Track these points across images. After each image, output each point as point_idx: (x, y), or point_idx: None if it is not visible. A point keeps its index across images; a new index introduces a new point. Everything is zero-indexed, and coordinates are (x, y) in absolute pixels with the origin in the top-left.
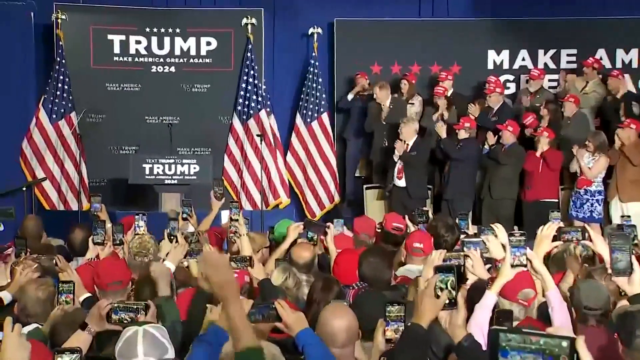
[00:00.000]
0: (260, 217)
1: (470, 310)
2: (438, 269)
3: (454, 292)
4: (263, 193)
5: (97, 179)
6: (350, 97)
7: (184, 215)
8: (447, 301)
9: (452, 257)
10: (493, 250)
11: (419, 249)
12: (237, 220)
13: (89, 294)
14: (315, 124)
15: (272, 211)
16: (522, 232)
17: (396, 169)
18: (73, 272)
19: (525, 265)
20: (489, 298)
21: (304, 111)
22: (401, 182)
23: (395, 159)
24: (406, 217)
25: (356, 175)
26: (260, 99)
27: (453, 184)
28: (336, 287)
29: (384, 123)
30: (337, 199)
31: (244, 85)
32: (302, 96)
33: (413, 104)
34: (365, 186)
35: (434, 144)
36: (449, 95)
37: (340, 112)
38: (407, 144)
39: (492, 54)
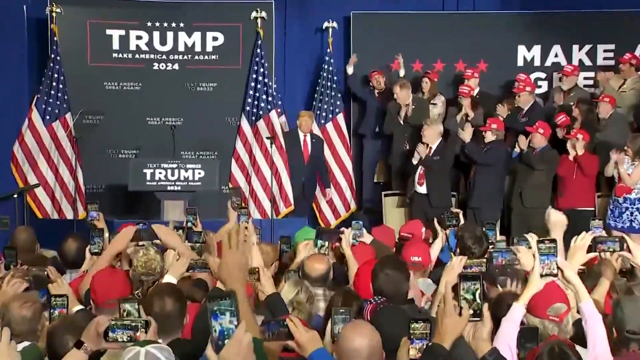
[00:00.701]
0: (270, 227)
1: (495, 325)
2: (463, 277)
3: (479, 303)
4: (273, 200)
5: (94, 186)
6: (350, 70)
7: (189, 225)
8: (472, 312)
9: (474, 264)
10: (524, 261)
11: (417, 263)
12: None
13: (81, 307)
14: (329, 126)
15: (283, 220)
16: (552, 238)
17: (417, 175)
18: (64, 284)
19: (556, 275)
20: (517, 311)
21: (318, 112)
22: (422, 189)
23: (415, 161)
24: (435, 220)
25: (374, 180)
26: (270, 98)
27: (479, 191)
28: (356, 302)
29: (405, 125)
30: (353, 206)
31: (253, 84)
32: (315, 96)
33: (435, 104)
34: (383, 193)
35: (458, 147)
36: (474, 94)
37: (356, 103)
38: (430, 148)
39: (522, 50)
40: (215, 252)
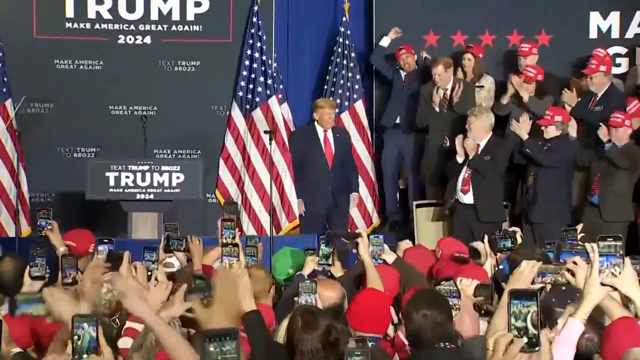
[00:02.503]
0: (268, 246)
1: None
2: (513, 295)
3: (535, 329)
4: (273, 212)
5: (42, 193)
6: (386, 42)
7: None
8: (526, 340)
9: (549, 271)
10: (581, 277)
11: None
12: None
13: (19, 350)
14: (345, 116)
15: (286, 238)
16: (617, 235)
17: (461, 179)
18: None
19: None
20: (575, 329)
21: (330, 98)
22: (467, 198)
23: (460, 160)
24: (485, 240)
25: (401, 186)
26: (269, 81)
27: (542, 201)
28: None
29: (447, 114)
30: (375, 220)
31: (246, 62)
32: (327, 78)
33: (482, 86)
34: (415, 203)
35: (512, 144)
36: (539, 78)
37: (379, 86)
38: (478, 145)
39: (595, 18)
40: (198, 262)
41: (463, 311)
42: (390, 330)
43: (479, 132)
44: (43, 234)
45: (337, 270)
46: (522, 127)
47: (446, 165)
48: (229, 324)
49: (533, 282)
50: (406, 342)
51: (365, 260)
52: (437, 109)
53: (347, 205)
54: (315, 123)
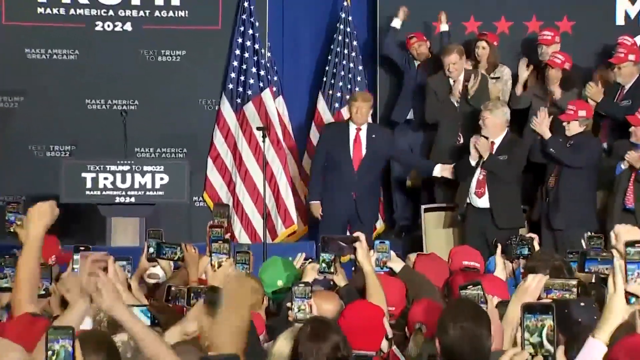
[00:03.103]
0: (262, 254)
1: None
2: (526, 309)
3: (551, 345)
4: (267, 217)
5: (11, 196)
6: (397, 23)
7: (150, 253)
8: (542, 358)
9: (557, 286)
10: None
11: None
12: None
13: None
14: (345, 110)
15: (283, 246)
16: None
17: (474, 182)
18: None
19: None
20: (597, 350)
21: (330, 91)
22: (482, 202)
23: (473, 162)
24: (498, 248)
25: (408, 185)
26: (262, 72)
27: (565, 206)
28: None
29: (460, 109)
30: (380, 225)
31: (237, 51)
32: (326, 69)
33: (498, 78)
34: (424, 207)
35: (530, 142)
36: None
37: (385, 76)
38: (493, 143)
39: (622, 3)
40: (195, 273)
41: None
42: (385, 345)
43: (494, 129)
44: (11, 230)
45: (341, 279)
46: (542, 123)
47: (457, 166)
48: (233, 337)
49: (539, 299)
50: (401, 358)
51: (364, 267)
52: (457, 104)
53: (375, 213)
54: (350, 120)
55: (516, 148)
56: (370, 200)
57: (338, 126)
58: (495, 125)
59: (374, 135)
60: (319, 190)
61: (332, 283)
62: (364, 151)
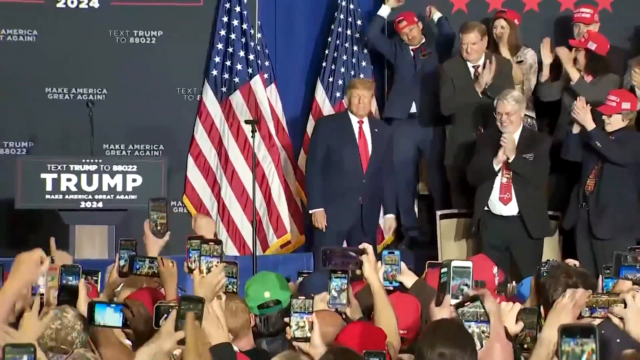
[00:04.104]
0: (252, 268)
1: None
2: (565, 331)
3: None
4: (258, 225)
5: None
6: (385, 12)
7: (122, 267)
8: None
9: (599, 303)
10: (630, 319)
11: None
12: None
13: None
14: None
15: (276, 258)
16: None
17: (497, 186)
18: None
19: None
20: None
21: (330, 78)
22: (509, 209)
23: (496, 166)
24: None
25: (421, 192)
26: (252, 57)
27: (610, 212)
28: None
29: (480, 97)
30: (387, 234)
31: (222, 32)
32: (326, 52)
33: (521, 61)
34: (438, 213)
35: (551, 138)
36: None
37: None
38: (503, 141)
39: None
40: (172, 291)
41: (493, 340)
42: None
43: (519, 123)
44: None
45: (355, 311)
46: (584, 111)
47: (472, 167)
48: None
49: (579, 318)
50: None
51: (372, 285)
52: (480, 93)
53: (377, 220)
54: (348, 111)
55: (541, 144)
56: (376, 208)
57: (338, 118)
58: (520, 118)
59: (376, 130)
60: (321, 195)
61: (344, 316)
62: (370, 149)
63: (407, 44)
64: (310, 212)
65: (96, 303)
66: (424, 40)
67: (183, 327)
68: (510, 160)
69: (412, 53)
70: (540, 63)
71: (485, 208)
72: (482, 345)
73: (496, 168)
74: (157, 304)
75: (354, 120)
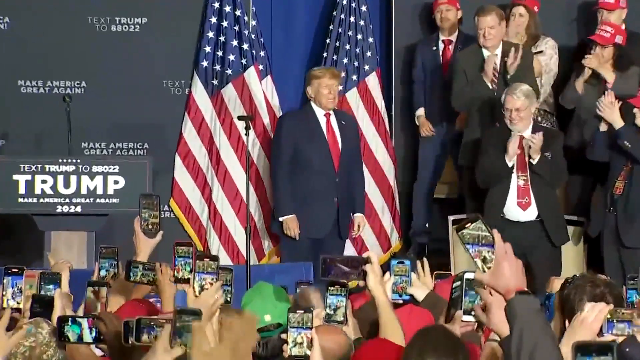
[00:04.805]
0: (245, 278)
1: None
2: (580, 349)
3: None
4: (252, 231)
5: None
6: None
7: (103, 277)
8: None
9: (619, 317)
10: None
11: None
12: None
13: None
14: (353, 95)
15: (269, 267)
16: None
17: (514, 189)
18: None
19: None
20: None
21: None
22: (527, 214)
23: (510, 163)
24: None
25: (435, 196)
26: (245, 46)
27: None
28: None
29: (494, 92)
30: (395, 242)
31: (213, 19)
32: (327, 41)
33: (541, 52)
34: (451, 218)
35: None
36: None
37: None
38: (522, 137)
39: None
40: (169, 302)
41: (500, 259)
42: None
43: (529, 119)
44: None
45: (353, 330)
46: (611, 107)
47: (481, 168)
48: None
49: (600, 334)
50: None
51: (377, 299)
52: (490, 85)
53: (348, 228)
54: (312, 103)
55: (555, 141)
56: (350, 209)
57: (302, 114)
58: (530, 114)
59: (344, 122)
60: (291, 199)
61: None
62: (340, 143)
63: (442, 26)
64: (280, 219)
65: (66, 316)
66: (456, 33)
67: (181, 342)
68: (535, 162)
69: (440, 40)
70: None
71: (502, 214)
72: (484, 270)
73: (509, 164)
74: (126, 320)
75: (319, 114)
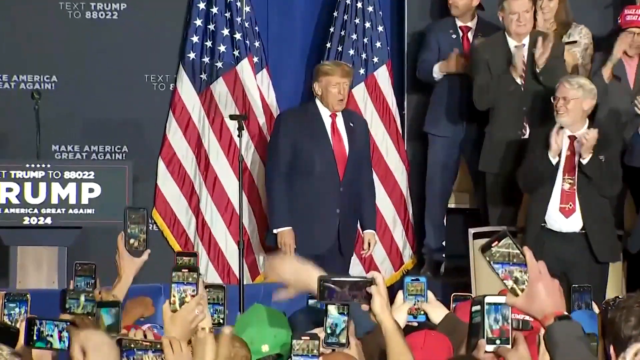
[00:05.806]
0: (237, 298)
1: None
2: None
3: None
4: (246, 246)
5: None
6: None
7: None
8: None
9: None
10: None
11: None
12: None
13: None
14: (360, 90)
15: (264, 287)
16: None
17: (557, 192)
18: None
19: None
20: None
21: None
22: (570, 223)
23: (554, 160)
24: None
25: (450, 206)
26: (238, 36)
27: None
28: None
29: (522, 87)
30: (408, 258)
31: (202, 5)
32: (331, 30)
33: (575, 42)
34: (472, 231)
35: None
36: None
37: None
38: (573, 137)
39: None
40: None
41: (534, 281)
42: None
43: (578, 116)
44: None
45: (356, 353)
46: None
47: (525, 170)
48: None
49: None
50: None
51: (384, 324)
52: (518, 80)
53: (354, 237)
54: (318, 101)
55: (612, 145)
56: (355, 223)
57: (302, 112)
58: (581, 110)
59: (352, 124)
60: (288, 210)
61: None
62: (347, 148)
63: (458, 14)
64: (274, 231)
65: (37, 319)
66: (476, 21)
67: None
68: (585, 162)
69: (459, 29)
70: (594, 48)
71: (543, 223)
72: (518, 294)
73: (553, 162)
74: (119, 338)
75: (324, 113)
